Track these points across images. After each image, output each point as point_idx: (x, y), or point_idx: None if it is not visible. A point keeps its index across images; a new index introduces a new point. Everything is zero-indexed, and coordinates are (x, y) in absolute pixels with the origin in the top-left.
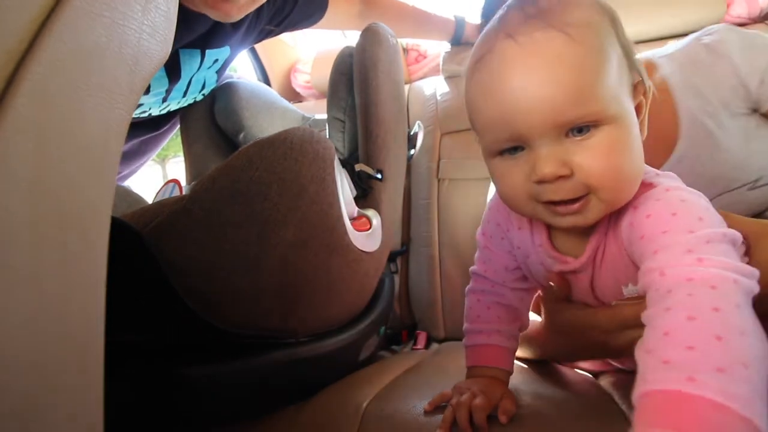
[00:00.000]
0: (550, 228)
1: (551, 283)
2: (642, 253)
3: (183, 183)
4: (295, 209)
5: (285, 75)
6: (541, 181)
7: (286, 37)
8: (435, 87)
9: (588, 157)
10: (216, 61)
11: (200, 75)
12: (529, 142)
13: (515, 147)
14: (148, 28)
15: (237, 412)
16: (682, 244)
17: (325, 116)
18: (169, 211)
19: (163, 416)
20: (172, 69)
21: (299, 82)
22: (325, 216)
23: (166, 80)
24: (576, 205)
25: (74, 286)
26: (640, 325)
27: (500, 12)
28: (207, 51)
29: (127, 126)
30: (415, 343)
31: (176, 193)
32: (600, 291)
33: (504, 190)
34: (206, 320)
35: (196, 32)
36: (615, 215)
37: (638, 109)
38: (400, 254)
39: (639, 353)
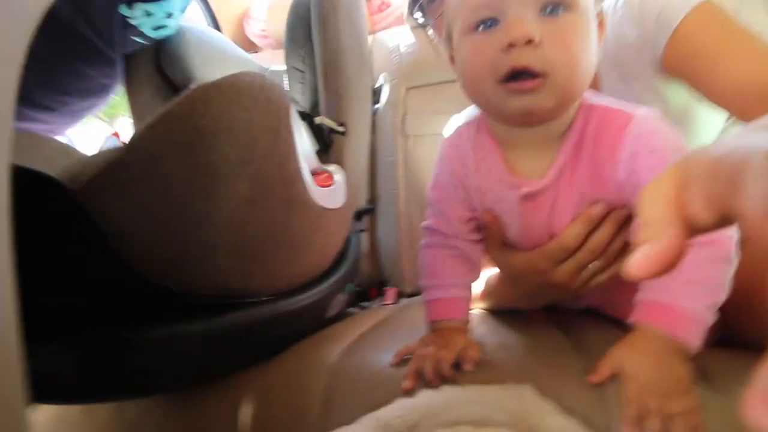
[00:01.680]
0: (506, 161)
1: (486, 218)
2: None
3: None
4: (247, 162)
5: (237, 22)
6: (511, 44)
7: None
8: (399, 38)
9: (555, 34)
10: None
11: None
12: (506, 10)
13: (490, 19)
14: None
15: (200, 374)
16: None
17: (283, 67)
18: (104, 163)
19: (122, 382)
20: None
21: (254, 31)
22: (281, 170)
23: None
24: (533, 83)
25: None
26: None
27: None
28: None
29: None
30: (383, 299)
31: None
32: (559, 216)
33: (471, 65)
34: (155, 282)
35: None
36: (590, 136)
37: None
38: (367, 212)
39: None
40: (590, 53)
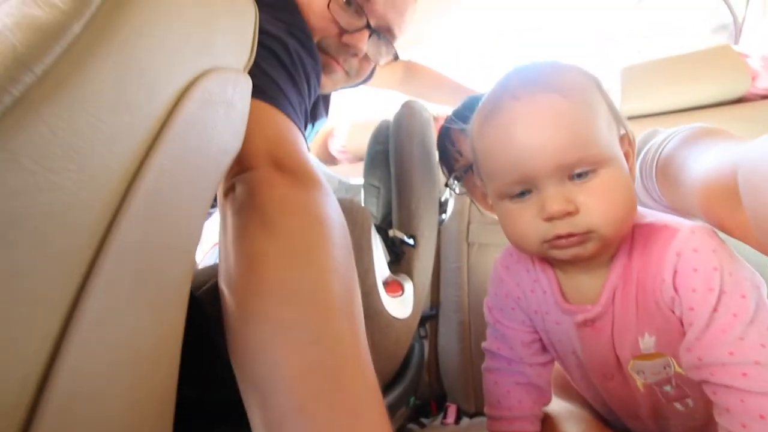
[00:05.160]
0: (560, 284)
1: None
2: (691, 321)
3: None
4: None
5: (322, 140)
6: (549, 218)
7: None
8: None
9: (590, 196)
10: (317, 130)
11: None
12: (537, 183)
13: (524, 191)
14: (230, 127)
15: None
16: (732, 343)
17: (359, 181)
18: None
19: None
20: None
21: (335, 147)
22: (361, 282)
23: None
24: (577, 239)
25: (164, 345)
26: None
27: (501, 79)
28: (316, 123)
29: (207, 213)
30: (444, 417)
31: None
32: (619, 342)
33: (514, 230)
34: None
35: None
36: (637, 255)
37: (626, 157)
38: (429, 318)
39: None
40: (629, 196)
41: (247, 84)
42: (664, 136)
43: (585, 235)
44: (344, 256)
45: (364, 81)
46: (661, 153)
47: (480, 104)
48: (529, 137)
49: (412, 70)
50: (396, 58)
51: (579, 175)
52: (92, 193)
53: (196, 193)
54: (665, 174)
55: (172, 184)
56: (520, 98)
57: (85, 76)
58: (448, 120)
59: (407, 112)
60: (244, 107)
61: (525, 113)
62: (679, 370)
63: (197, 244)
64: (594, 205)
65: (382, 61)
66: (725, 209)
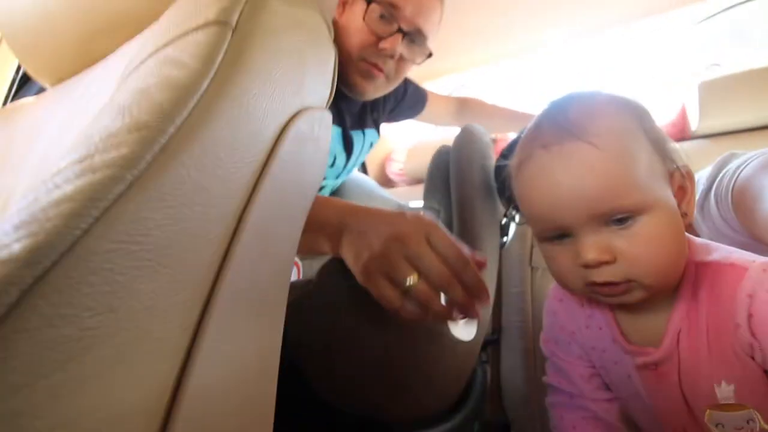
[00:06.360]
0: (618, 321)
1: None
2: None
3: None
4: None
5: (380, 164)
6: (585, 266)
7: (382, 130)
8: None
9: (629, 244)
10: (371, 144)
11: (361, 156)
12: (573, 231)
13: (561, 234)
14: (316, 162)
15: None
16: None
17: (417, 204)
18: (298, 293)
19: None
20: (347, 146)
21: (393, 170)
22: None
23: (343, 156)
24: (619, 288)
25: (267, 362)
26: None
27: (536, 119)
28: (365, 131)
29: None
30: None
31: (294, 273)
32: (689, 389)
33: (555, 270)
34: (321, 396)
35: (351, 113)
36: (704, 296)
37: (682, 192)
38: (491, 343)
39: None
40: (673, 243)
41: (328, 119)
42: (741, 161)
43: (626, 284)
44: None
45: (416, 112)
46: (736, 180)
47: (518, 144)
48: (558, 189)
49: (465, 104)
50: (429, 55)
51: (619, 221)
52: (213, 225)
53: (290, 223)
54: (742, 203)
55: (272, 215)
56: (549, 148)
57: (210, 124)
58: (499, 158)
59: (467, 136)
60: (326, 142)
61: (553, 164)
62: (766, 427)
63: (291, 270)
64: (633, 255)
65: (418, 59)
66: None
